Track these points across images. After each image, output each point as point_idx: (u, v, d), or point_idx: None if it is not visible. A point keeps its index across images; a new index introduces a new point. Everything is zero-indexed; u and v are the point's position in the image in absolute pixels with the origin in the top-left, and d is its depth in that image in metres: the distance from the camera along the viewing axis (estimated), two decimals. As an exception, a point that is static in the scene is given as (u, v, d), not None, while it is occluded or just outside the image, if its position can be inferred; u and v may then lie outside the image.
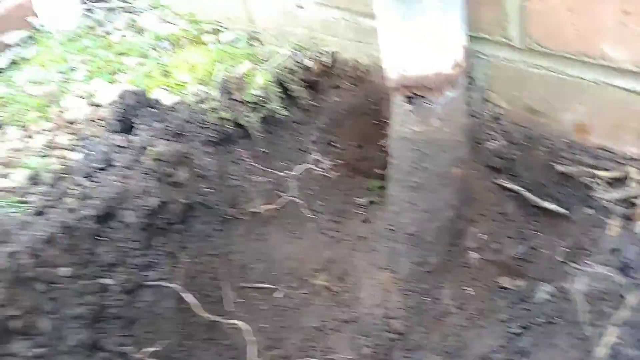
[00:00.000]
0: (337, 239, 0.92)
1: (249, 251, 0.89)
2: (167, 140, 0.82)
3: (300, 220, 0.92)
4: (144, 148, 0.79)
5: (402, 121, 0.75)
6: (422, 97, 0.72)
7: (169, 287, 0.78)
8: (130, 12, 1.23)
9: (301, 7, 0.96)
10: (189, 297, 0.79)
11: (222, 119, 0.89)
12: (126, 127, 0.85)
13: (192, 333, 0.80)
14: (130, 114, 0.85)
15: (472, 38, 0.72)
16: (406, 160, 0.78)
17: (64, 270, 0.72)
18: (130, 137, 0.82)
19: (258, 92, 0.89)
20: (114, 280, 0.75)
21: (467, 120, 0.77)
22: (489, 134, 0.79)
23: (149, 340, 0.78)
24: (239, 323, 0.82)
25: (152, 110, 0.85)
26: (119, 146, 0.81)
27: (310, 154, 0.94)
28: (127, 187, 0.77)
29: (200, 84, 0.95)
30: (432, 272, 0.87)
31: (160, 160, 0.79)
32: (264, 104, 0.91)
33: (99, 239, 0.75)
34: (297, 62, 0.94)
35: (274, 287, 0.89)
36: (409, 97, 0.73)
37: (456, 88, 0.72)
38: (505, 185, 0.84)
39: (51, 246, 0.71)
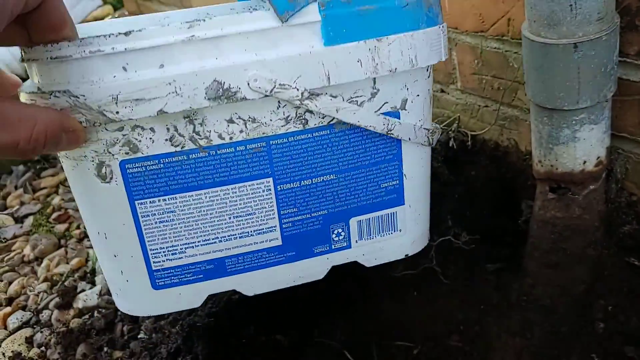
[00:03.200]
0: (469, 303, 1.00)
1: (391, 311, 0.98)
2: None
3: (436, 284, 1.01)
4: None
5: (545, 207, 0.83)
6: (567, 188, 0.80)
7: (330, 343, 0.89)
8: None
9: (444, 92, 1.06)
10: (348, 354, 0.89)
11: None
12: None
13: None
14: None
15: (614, 136, 0.80)
16: (545, 241, 0.86)
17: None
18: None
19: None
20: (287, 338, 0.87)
21: (604, 207, 0.84)
22: (624, 219, 0.86)
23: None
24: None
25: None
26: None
27: (447, 222, 1.03)
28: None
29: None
30: (561, 340, 0.94)
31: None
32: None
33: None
34: (438, 140, 1.03)
35: (412, 345, 0.98)
36: (554, 188, 0.82)
37: (597, 181, 0.80)
38: (635, 263, 0.91)
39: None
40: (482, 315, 1.01)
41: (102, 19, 2.65)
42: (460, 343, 1.00)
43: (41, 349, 1.01)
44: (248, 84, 0.53)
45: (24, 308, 1.14)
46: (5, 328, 1.10)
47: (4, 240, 1.39)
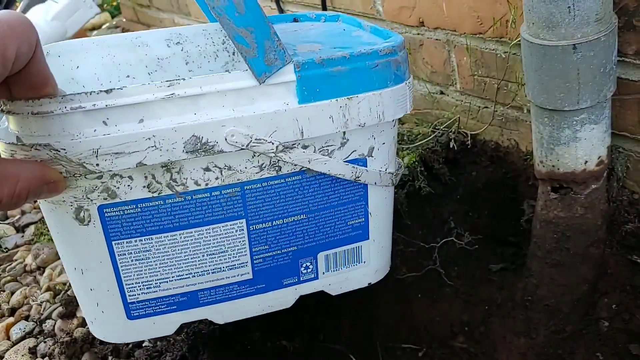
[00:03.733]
0: (473, 304, 1.01)
1: (395, 314, 0.98)
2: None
3: (439, 286, 1.01)
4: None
5: (547, 206, 0.84)
6: (569, 188, 0.81)
7: (335, 347, 0.89)
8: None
9: (444, 94, 1.06)
10: (353, 358, 0.89)
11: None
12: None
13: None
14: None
15: (614, 135, 0.80)
16: (548, 240, 0.86)
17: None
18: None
19: (404, 171, 1.00)
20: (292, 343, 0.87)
21: (606, 206, 0.84)
22: (626, 217, 0.87)
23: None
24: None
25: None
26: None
27: (450, 224, 1.03)
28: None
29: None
30: (566, 339, 0.95)
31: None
32: (409, 182, 1.01)
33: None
34: (439, 141, 1.04)
35: (417, 347, 0.99)
36: (556, 188, 0.82)
37: (599, 180, 0.80)
38: (638, 261, 0.91)
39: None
40: (487, 316, 1.01)
41: (100, 26, 2.66)
42: (465, 344, 1.00)
43: (45, 359, 1.02)
44: (225, 138, 0.55)
45: (26, 318, 1.14)
46: (9, 339, 1.10)
47: (5, 250, 1.39)
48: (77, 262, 0.62)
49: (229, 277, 0.65)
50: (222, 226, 0.62)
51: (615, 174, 0.83)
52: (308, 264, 0.68)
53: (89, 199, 0.56)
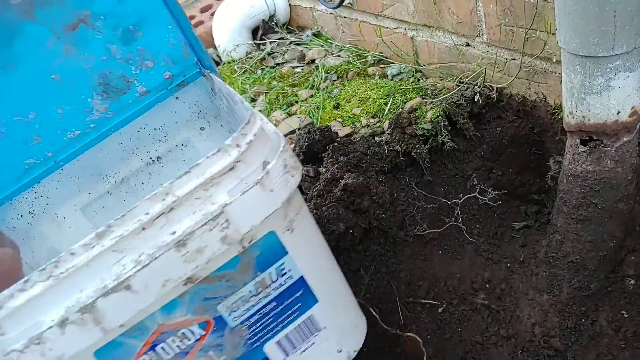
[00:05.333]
0: (495, 261, 0.98)
1: (415, 270, 0.96)
2: (350, 171, 0.91)
3: (461, 242, 0.98)
4: (333, 180, 0.88)
5: (575, 160, 0.80)
6: (599, 140, 0.77)
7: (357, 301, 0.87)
8: (298, 45, 1.32)
9: (470, 45, 1.02)
10: (373, 311, 0.87)
11: (393, 150, 0.96)
12: (311, 159, 0.94)
13: (374, 342, 0.89)
14: (316, 147, 0.93)
15: (649, 86, 0.75)
16: (575, 195, 0.82)
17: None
18: (319, 168, 0.92)
19: (427, 126, 0.96)
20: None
21: (637, 160, 0.80)
22: (657, 172, 0.83)
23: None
24: (414, 336, 0.90)
25: (335, 145, 0.93)
26: (309, 176, 0.91)
27: (472, 180, 0.99)
28: (321, 214, 0.86)
29: (372, 117, 1.03)
30: (590, 297, 0.91)
31: (347, 190, 0.87)
32: (432, 136, 0.97)
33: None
34: (463, 95, 0.99)
35: (437, 303, 0.96)
36: (585, 140, 0.78)
37: (631, 133, 0.76)
38: (667, 218, 0.87)
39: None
40: (509, 273, 0.98)
41: None
42: (487, 300, 0.97)
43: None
44: None
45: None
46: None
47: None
48: None
49: None
50: None
51: (648, 126, 0.78)
52: None
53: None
